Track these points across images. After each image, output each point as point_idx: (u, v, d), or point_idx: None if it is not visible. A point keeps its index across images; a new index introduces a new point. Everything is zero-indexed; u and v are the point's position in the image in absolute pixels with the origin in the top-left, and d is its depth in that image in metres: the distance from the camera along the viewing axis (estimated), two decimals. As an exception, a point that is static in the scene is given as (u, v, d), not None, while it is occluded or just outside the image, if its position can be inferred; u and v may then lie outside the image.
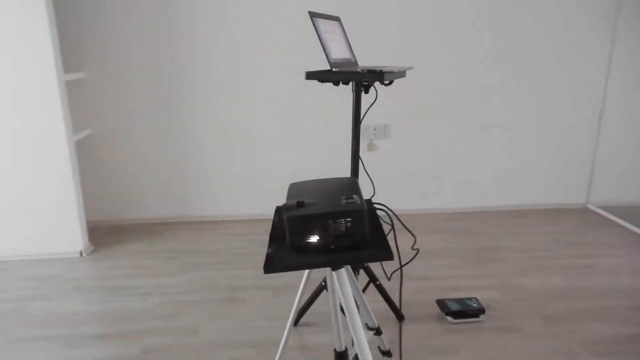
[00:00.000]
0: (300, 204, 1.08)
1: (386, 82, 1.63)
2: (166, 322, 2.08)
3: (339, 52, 1.70)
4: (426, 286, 2.37)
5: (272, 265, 1.03)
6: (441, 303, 2.17)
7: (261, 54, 3.04)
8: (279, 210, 1.18)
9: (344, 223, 1.05)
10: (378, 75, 1.50)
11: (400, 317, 2.10)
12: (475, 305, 2.13)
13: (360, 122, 1.72)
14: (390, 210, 1.21)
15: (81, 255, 2.79)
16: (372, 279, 2.06)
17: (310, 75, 1.61)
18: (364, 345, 1.06)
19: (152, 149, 3.16)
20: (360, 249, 1.07)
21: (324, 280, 1.99)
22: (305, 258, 1.05)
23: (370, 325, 1.44)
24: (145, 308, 2.20)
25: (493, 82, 3.17)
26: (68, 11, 2.88)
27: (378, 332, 1.46)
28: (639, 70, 3.21)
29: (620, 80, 3.22)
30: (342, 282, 1.07)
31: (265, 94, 3.11)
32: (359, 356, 1.07)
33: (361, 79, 1.53)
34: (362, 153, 3.26)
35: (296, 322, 2.07)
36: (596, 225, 3.11)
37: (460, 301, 2.17)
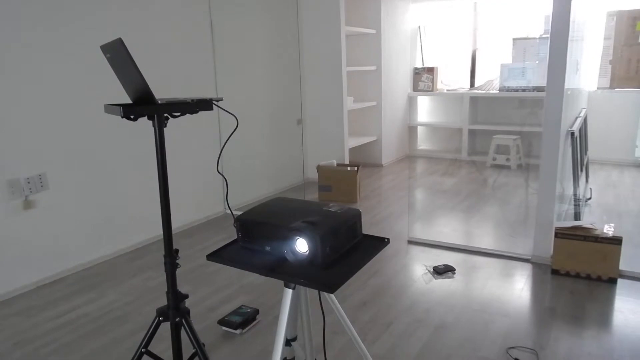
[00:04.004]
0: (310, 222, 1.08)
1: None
2: None
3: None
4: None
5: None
6: (224, 321, 2.24)
7: None
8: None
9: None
10: (207, 104, 1.50)
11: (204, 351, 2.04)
12: (249, 310, 2.33)
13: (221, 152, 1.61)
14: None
15: None
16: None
17: (128, 111, 1.38)
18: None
19: None
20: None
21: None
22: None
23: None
24: None
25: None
26: None
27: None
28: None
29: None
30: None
31: None
32: None
33: (193, 109, 1.47)
34: (17, 213, 2.63)
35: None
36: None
37: (235, 313, 2.31)
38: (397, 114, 5.82)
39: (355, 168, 4.17)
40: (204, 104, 1.47)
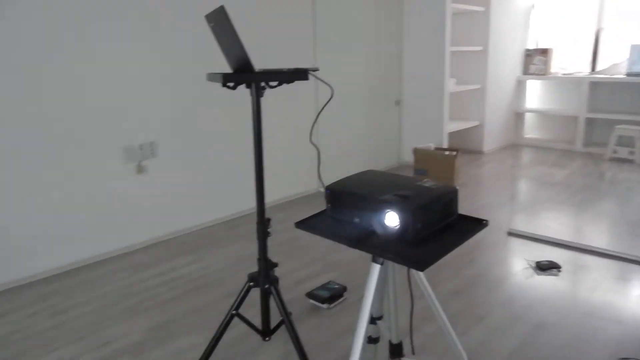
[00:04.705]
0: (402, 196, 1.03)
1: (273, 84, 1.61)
2: None
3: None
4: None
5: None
6: (312, 295, 2.26)
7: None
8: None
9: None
10: (303, 74, 1.49)
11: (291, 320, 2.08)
12: (336, 286, 2.33)
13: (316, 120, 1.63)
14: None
15: None
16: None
17: (227, 78, 1.42)
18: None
19: None
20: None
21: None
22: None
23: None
24: None
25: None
26: None
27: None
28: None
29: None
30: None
31: (6, 124, 2.33)
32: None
33: (289, 78, 1.47)
34: (130, 178, 2.86)
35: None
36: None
37: (323, 287, 2.32)
38: (503, 99, 5.45)
39: (454, 153, 3.98)
40: (300, 74, 1.47)
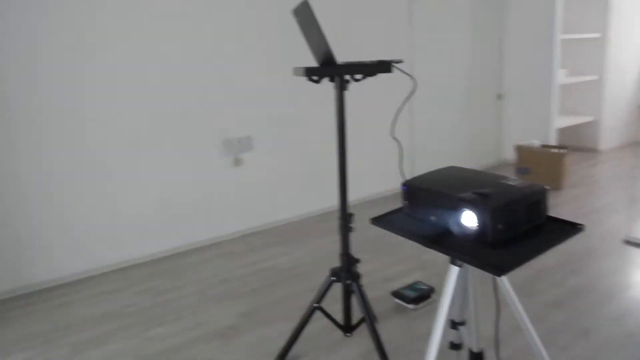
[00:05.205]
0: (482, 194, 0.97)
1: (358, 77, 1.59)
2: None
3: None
4: (364, 284, 2.38)
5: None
6: (397, 294, 2.22)
7: (112, 64, 2.51)
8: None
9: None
10: (386, 66, 1.45)
11: (374, 318, 2.06)
12: (424, 287, 2.25)
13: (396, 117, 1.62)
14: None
15: None
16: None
17: (310, 72, 1.43)
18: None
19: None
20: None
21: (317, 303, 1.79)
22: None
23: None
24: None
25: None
26: None
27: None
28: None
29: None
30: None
31: (118, 117, 2.58)
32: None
33: (371, 71, 1.44)
34: (228, 169, 3.02)
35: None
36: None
37: (410, 287, 2.26)
38: (625, 92, 4.88)
39: (563, 150, 3.65)
40: (383, 66, 1.43)
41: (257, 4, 2.93)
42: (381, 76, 3.48)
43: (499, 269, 0.88)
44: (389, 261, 2.64)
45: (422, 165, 3.97)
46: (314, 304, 1.79)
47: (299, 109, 3.23)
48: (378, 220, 1.17)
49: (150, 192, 2.76)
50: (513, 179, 1.07)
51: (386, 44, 3.55)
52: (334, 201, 3.52)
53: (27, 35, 2.28)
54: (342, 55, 3.18)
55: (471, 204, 0.95)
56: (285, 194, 3.29)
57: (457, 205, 0.97)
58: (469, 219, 0.96)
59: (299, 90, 3.20)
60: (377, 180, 3.73)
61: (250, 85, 3.01)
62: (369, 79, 3.41)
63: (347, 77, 1.54)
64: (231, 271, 2.62)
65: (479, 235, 0.95)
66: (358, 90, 3.42)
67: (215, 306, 2.26)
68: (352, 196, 3.59)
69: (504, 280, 1.11)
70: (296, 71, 1.48)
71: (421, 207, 1.09)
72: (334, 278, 1.78)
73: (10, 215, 2.37)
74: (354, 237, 2.93)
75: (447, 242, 1.01)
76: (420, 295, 2.18)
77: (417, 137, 3.88)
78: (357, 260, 1.76)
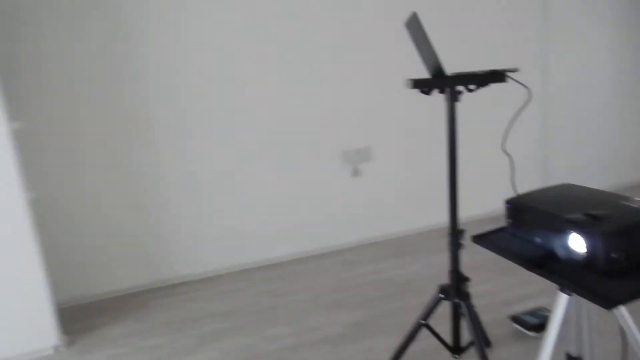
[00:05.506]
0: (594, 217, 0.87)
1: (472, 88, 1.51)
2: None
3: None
4: (481, 305, 2.24)
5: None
6: (517, 319, 2.05)
7: (240, 77, 2.74)
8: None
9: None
10: (499, 76, 1.36)
11: (487, 342, 1.93)
12: (547, 313, 2.05)
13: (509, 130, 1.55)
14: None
15: (56, 350, 2.17)
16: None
17: (417, 83, 1.41)
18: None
19: (111, 207, 2.63)
20: None
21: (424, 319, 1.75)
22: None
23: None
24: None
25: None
26: None
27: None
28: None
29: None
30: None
31: (247, 127, 2.80)
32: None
33: (482, 81, 1.37)
34: (347, 180, 3.08)
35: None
36: None
37: (532, 313, 2.07)
38: None
39: None
40: (496, 76, 1.35)
41: (376, 14, 2.96)
42: (503, 86, 3.26)
43: (609, 301, 0.77)
44: (510, 283, 2.45)
45: (555, 181, 3.61)
46: (420, 321, 1.74)
47: (418, 119, 3.18)
48: (480, 239, 1.11)
49: (274, 200, 2.94)
50: (637, 199, 0.93)
51: (512, 50, 3.32)
52: (465, 210, 3.37)
53: (168, 52, 2.61)
54: (465, 63, 3.05)
55: (579, 227, 0.85)
56: (404, 205, 3.25)
57: (564, 227, 0.88)
58: (578, 244, 0.86)
59: (419, 101, 3.15)
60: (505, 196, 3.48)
61: (370, 96, 3.04)
62: (491, 88, 3.21)
63: (461, 87, 1.48)
64: (346, 280, 2.66)
65: (589, 262, 0.85)
66: (475, 100, 3.25)
67: (327, 313, 2.31)
68: (473, 211, 3.41)
69: (623, 312, 0.97)
70: (407, 83, 1.47)
71: (526, 226, 1.01)
72: (442, 295, 1.71)
73: (152, 217, 2.71)
74: (473, 255, 2.77)
75: (553, 267, 0.91)
76: (542, 323, 1.99)
77: (551, 150, 3.54)
78: (466, 279, 1.67)
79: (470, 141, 3.26)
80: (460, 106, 2.80)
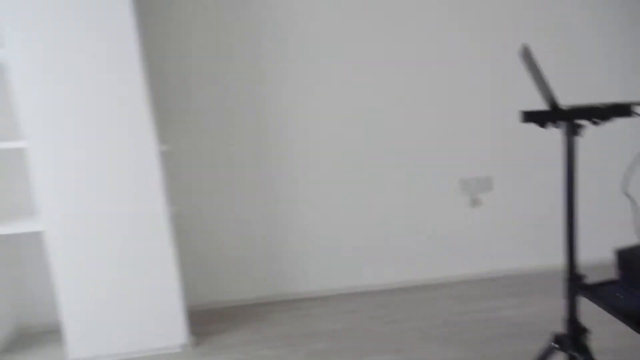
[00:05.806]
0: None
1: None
2: None
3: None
4: None
5: None
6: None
7: (364, 108, 2.84)
8: None
9: None
10: (624, 109, 1.24)
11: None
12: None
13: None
14: None
15: (184, 349, 2.43)
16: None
17: (527, 117, 1.34)
18: None
19: (246, 222, 2.88)
20: None
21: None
22: None
23: None
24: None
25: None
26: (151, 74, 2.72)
27: None
28: None
29: None
30: None
31: (369, 153, 2.88)
32: None
33: (603, 115, 1.26)
34: (466, 210, 2.96)
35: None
36: None
37: (676, 378, 1.78)
38: None
39: None
40: (620, 110, 1.23)
41: (503, 45, 2.85)
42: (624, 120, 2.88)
43: None
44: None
45: None
46: (531, 369, 1.62)
47: (541, 150, 2.95)
48: (586, 290, 1.02)
49: (389, 226, 2.95)
50: None
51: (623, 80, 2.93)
52: (580, 255, 3.04)
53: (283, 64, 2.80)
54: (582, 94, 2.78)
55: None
56: (525, 240, 3.03)
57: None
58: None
59: (550, 132, 2.93)
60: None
61: (493, 123, 2.91)
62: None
63: (582, 121, 1.38)
64: (457, 315, 2.56)
65: None
66: (599, 134, 2.92)
67: (434, 347, 2.25)
68: (597, 254, 3.02)
69: None
70: (520, 116, 1.42)
71: (637, 282, 0.91)
72: (557, 345, 1.57)
73: (285, 236, 2.91)
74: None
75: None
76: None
77: None
78: (584, 330, 1.51)
79: (584, 178, 2.97)
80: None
